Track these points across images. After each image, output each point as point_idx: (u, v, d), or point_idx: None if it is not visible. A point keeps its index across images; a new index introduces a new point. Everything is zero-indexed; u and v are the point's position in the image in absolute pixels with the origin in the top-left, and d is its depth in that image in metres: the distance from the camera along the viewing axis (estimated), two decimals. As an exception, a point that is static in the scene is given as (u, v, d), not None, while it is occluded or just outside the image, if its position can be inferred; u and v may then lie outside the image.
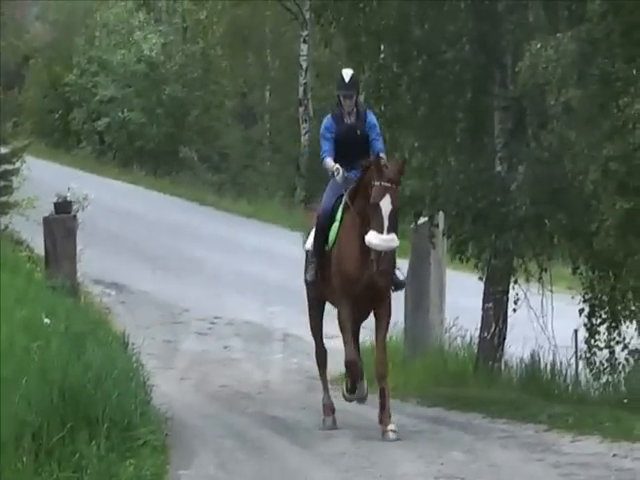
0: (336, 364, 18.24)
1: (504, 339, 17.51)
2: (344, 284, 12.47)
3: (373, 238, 11.84)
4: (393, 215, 12.02)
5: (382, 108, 18.70)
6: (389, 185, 11.99)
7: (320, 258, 12.80)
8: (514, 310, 16.37)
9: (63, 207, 18.13)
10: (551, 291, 17.45)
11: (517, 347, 17.26)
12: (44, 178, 23.10)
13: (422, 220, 19.83)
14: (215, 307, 22.36)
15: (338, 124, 12.84)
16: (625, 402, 15.12)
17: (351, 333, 12.88)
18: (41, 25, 38.88)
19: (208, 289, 22.89)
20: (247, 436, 13.18)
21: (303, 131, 35.23)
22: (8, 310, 12.09)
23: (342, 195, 12.66)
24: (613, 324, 17.06)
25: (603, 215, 16.27)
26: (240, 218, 29.34)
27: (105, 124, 35.68)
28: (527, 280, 17.94)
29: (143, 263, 24.01)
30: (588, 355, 17.38)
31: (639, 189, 16.35)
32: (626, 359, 16.99)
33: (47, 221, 18.05)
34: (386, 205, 11.93)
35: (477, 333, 17.71)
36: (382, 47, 18.88)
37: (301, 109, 35.48)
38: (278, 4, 35.67)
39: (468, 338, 18.45)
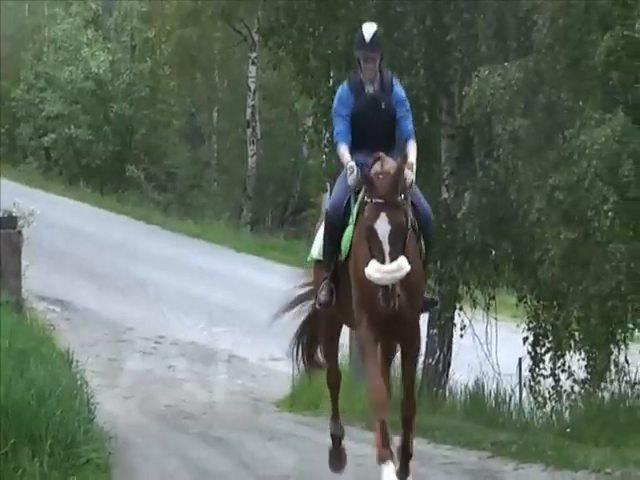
0: (279, 387, 18.40)
1: (449, 365, 17.75)
2: (364, 302, 9.56)
3: (373, 271, 9.11)
4: (395, 235, 9.23)
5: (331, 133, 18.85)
6: (381, 202, 9.22)
7: (332, 270, 9.93)
8: (461, 336, 16.41)
9: (8, 222, 18.18)
10: (496, 319, 17.80)
11: (462, 374, 17.42)
12: (-11, 193, 23.06)
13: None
14: (160, 327, 22.57)
15: (357, 95, 9.81)
16: (568, 431, 15.27)
17: (375, 361, 9.80)
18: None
19: (153, 308, 23.11)
20: (190, 456, 13.27)
21: (250, 153, 35.66)
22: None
23: (358, 192, 9.81)
24: (558, 353, 17.37)
25: (547, 245, 16.66)
26: (186, 238, 29.60)
27: (52, 140, 35.87)
28: (473, 307, 18.24)
29: (88, 281, 24.19)
30: (532, 383, 17.62)
31: (583, 220, 16.67)
32: (571, 387, 17.19)
33: (-8, 236, 18.12)
34: (382, 227, 9.18)
35: (422, 359, 17.79)
36: (331, 72, 19.14)
37: (249, 131, 35.86)
38: (227, 26, 36.05)
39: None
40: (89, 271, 24.44)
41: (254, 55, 35.43)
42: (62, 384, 12.07)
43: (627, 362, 17.06)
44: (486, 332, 16.81)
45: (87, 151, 36.00)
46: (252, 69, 35.85)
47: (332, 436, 10.82)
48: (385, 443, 9.29)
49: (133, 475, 11.67)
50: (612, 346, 16.93)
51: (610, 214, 16.32)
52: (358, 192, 9.64)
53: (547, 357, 17.33)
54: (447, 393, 17.30)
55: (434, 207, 17.74)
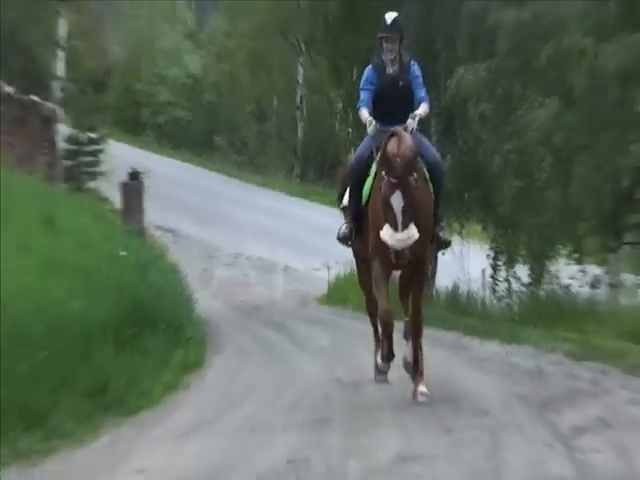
0: (320, 288, 18.29)
1: (435, 273, 17.61)
2: (377, 244, 8.08)
3: (387, 237, 7.73)
4: (408, 208, 7.74)
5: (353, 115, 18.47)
6: (396, 182, 7.71)
7: (357, 213, 8.48)
8: (443, 254, 16.14)
9: (134, 176, 18.18)
10: (468, 242, 17.57)
11: (445, 280, 17.14)
12: (121, 156, 23.09)
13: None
14: (238, 247, 22.32)
15: (379, 75, 8.33)
16: (516, 318, 15.01)
17: (385, 291, 8.26)
18: (119, 48, 38.67)
19: (233, 234, 22.94)
20: (259, 335, 13.15)
21: (299, 127, 35.19)
22: (96, 245, 12.12)
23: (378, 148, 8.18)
24: (510, 265, 17.11)
25: (503, 190, 16.38)
26: (255, 187, 29.19)
27: (163, 120, 35.67)
28: (451, 234, 17.93)
29: (189, 215, 23.85)
30: (493, 286, 17.23)
31: (528, 173, 16.42)
32: (519, 288, 16.80)
33: (123, 185, 18.11)
34: (397, 202, 7.72)
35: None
36: (354, 70, 18.86)
37: (298, 112, 35.33)
38: (282, 38, 35.62)
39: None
40: (190, 209, 24.21)
41: (301, 59, 34.99)
42: (172, 286, 12.17)
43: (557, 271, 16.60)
44: (461, 251, 16.47)
45: (187, 127, 35.91)
46: (300, 68, 35.42)
47: (379, 361, 8.44)
48: (389, 357, 8.18)
49: (221, 347, 11.61)
50: (547, 260, 16.62)
51: (547, 169, 16.08)
52: (378, 149, 8.02)
53: (503, 268, 17.02)
54: (434, 292, 17.06)
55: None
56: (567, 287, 15.85)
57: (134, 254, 12.19)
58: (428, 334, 13.54)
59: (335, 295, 17.72)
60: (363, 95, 8.16)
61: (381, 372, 8.34)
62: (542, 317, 14.41)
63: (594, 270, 16.02)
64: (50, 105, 22.92)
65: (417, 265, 8.07)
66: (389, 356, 8.15)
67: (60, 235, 11.49)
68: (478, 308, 16.14)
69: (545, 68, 14.96)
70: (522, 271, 16.40)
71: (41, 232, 11.17)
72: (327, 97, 37.33)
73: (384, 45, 8.09)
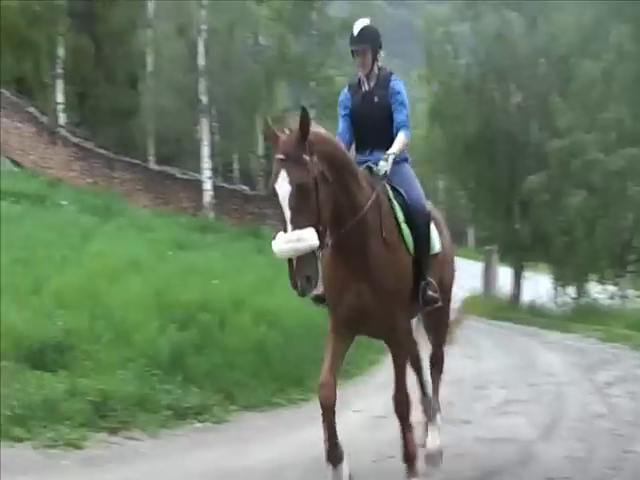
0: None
1: (519, 294, 21.83)
2: (335, 305, 5.45)
3: (274, 242, 4.84)
4: (297, 198, 4.77)
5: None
6: (283, 158, 4.89)
7: None
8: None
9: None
10: (539, 273, 21.69)
11: (526, 295, 21.07)
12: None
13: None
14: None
15: (353, 93, 6.09)
16: (568, 318, 18.74)
17: (330, 353, 5.41)
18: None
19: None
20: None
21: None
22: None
23: None
24: (563, 286, 21.31)
25: (557, 244, 20.40)
26: None
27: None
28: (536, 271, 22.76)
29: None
30: (555, 298, 21.18)
31: (570, 233, 20.20)
32: (570, 300, 20.83)
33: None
34: (283, 188, 4.80)
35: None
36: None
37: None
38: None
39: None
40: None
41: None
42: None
43: (590, 289, 21.43)
44: (537, 279, 20.95)
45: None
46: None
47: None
48: (333, 444, 5.28)
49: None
50: (584, 283, 21.21)
51: (581, 231, 20.34)
52: None
53: (560, 288, 21.19)
54: (520, 303, 21.59)
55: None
56: (595, 299, 20.86)
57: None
58: (516, 328, 17.26)
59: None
60: (339, 126, 6.09)
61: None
62: (583, 317, 18.48)
63: (611, 288, 21.05)
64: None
65: (384, 331, 5.50)
66: (334, 454, 5.30)
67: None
68: (546, 312, 20.66)
69: (576, 172, 20.30)
70: (571, 289, 21.65)
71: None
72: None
73: (355, 60, 6.05)
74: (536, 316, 20.36)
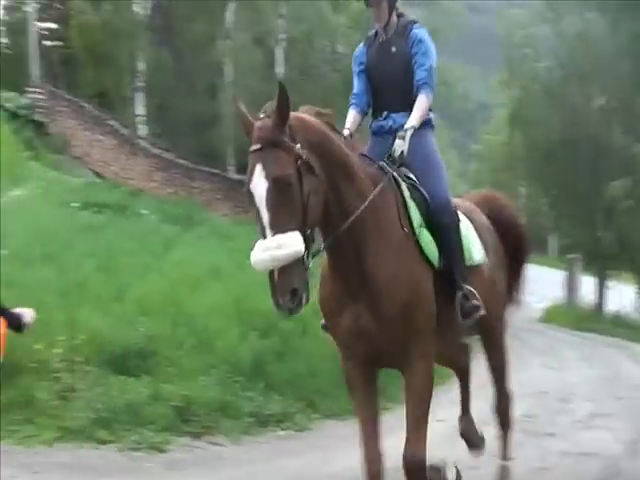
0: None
1: (602, 303, 22.82)
2: (333, 329, 4.45)
3: (252, 253, 3.78)
4: (276, 195, 3.70)
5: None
6: (258, 147, 3.77)
7: None
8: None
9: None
10: (624, 283, 22.71)
11: (610, 306, 21.73)
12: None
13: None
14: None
15: (369, 46, 5.07)
16: None
17: (364, 417, 4.50)
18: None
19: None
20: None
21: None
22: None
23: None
24: None
25: None
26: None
27: None
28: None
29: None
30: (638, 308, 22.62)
31: None
32: None
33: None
34: (259, 186, 3.72)
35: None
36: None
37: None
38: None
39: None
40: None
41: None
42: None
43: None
44: (620, 289, 21.27)
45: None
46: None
47: None
48: None
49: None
50: None
51: None
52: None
53: None
54: (604, 314, 22.57)
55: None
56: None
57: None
58: (600, 339, 17.65)
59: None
60: (354, 86, 5.06)
61: None
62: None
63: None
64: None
65: (394, 356, 4.33)
66: None
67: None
68: (631, 322, 21.40)
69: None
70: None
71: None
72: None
73: (371, 15, 5.05)
74: (620, 327, 20.63)
